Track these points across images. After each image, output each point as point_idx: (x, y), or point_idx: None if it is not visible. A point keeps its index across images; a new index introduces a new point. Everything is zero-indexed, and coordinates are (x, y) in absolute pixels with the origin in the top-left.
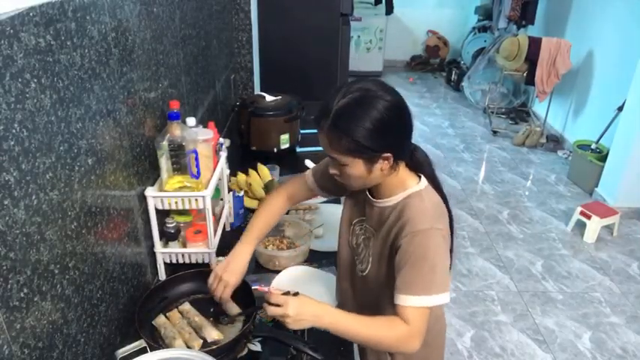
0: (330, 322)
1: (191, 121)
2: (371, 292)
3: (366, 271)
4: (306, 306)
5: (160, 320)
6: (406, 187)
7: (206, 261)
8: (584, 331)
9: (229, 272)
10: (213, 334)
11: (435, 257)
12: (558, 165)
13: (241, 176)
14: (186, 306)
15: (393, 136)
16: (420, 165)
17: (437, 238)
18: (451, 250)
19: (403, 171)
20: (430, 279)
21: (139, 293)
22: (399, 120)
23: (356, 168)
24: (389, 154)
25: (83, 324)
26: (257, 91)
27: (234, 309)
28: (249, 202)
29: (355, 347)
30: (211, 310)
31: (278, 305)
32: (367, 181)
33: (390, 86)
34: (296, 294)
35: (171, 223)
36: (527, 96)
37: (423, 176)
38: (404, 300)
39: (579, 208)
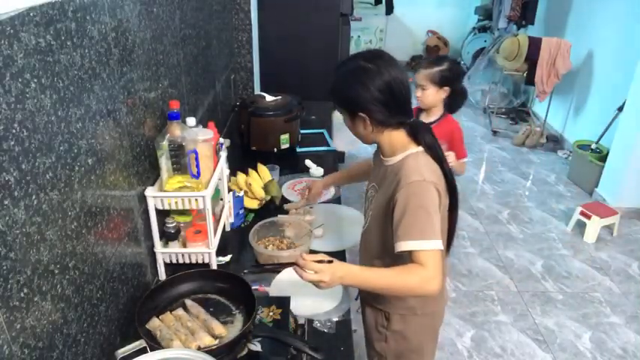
0: (352, 280)
1: (191, 121)
2: (367, 249)
3: (365, 226)
4: (336, 271)
5: (155, 323)
6: (406, 149)
7: (206, 261)
8: (584, 331)
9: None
10: (205, 339)
11: (430, 206)
12: (558, 165)
13: (241, 176)
14: (180, 311)
15: (351, 99)
16: (423, 141)
17: (430, 190)
18: (451, 234)
19: (402, 136)
20: (431, 223)
21: (139, 293)
22: (359, 85)
23: (346, 120)
24: (363, 115)
25: (83, 324)
26: (257, 91)
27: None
28: (249, 202)
29: (355, 345)
30: (210, 309)
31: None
32: (362, 136)
33: (379, 57)
34: (330, 261)
35: (171, 223)
36: (527, 96)
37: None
38: (414, 245)
39: (579, 208)
